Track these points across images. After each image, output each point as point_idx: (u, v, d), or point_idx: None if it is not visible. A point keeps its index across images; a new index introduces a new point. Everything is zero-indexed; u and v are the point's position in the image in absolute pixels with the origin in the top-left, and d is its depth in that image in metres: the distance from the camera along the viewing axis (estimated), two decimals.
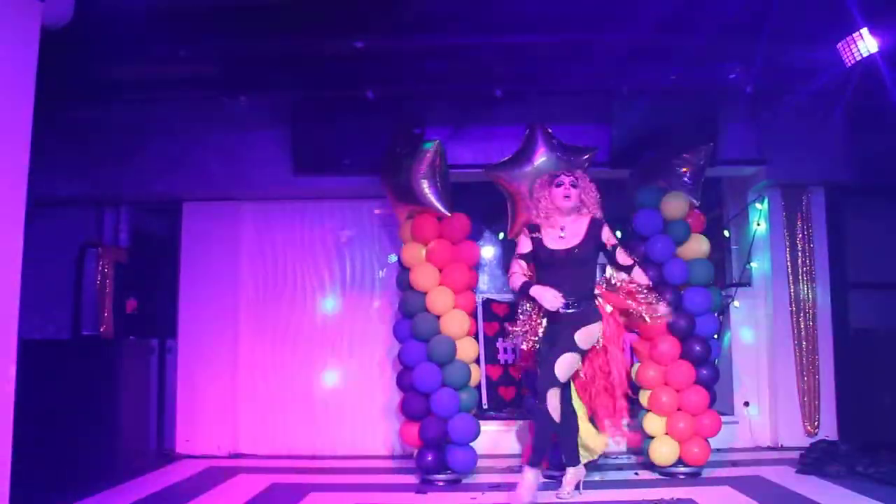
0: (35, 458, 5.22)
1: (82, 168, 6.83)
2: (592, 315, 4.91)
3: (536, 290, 4.87)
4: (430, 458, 5.67)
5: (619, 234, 7.34)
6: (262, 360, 7.16)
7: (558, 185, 5.01)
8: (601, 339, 4.97)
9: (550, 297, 4.82)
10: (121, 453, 6.15)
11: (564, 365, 4.79)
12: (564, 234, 4.97)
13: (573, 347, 4.81)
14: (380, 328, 7.05)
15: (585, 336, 4.86)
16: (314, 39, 5.45)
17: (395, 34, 5.38)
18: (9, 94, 4.05)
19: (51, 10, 4.28)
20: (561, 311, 4.82)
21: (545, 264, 4.99)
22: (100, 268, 7.07)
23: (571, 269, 4.92)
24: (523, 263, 5.05)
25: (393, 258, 7.06)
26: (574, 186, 5.01)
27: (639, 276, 5.03)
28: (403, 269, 6.07)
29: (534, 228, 5.07)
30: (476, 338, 6.33)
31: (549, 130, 5.92)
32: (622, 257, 5.01)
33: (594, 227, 4.98)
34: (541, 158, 5.77)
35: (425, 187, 5.77)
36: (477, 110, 6.31)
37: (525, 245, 5.08)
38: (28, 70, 4.19)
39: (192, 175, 6.89)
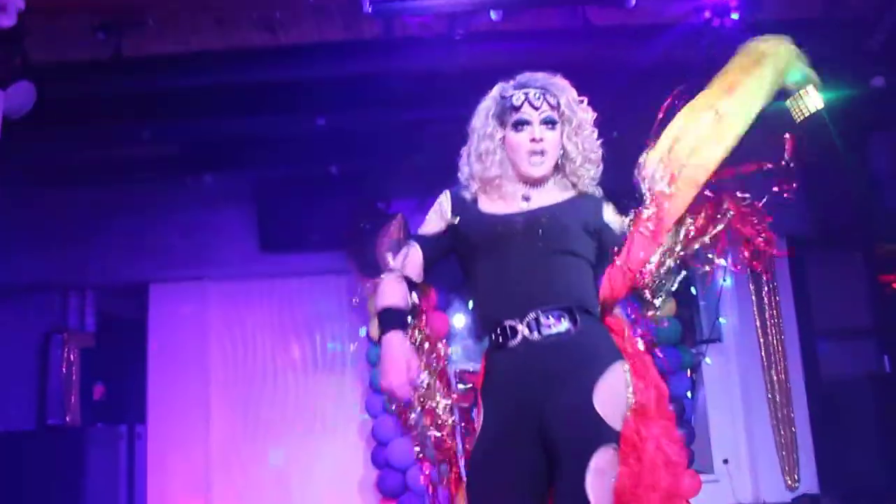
0: None
1: (46, 252, 6.76)
2: (606, 348, 2.22)
3: (390, 343, 2.25)
4: None
5: None
6: (234, 442, 7.01)
7: (519, 127, 2.34)
8: (631, 396, 2.15)
9: (395, 367, 2.20)
10: None
11: (605, 483, 2.01)
12: (527, 202, 2.34)
13: (606, 432, 2.06)
14: (352, 403, 6.96)
15: (611, 397, 2.10)
16: (275, 118, 5.52)
17: (356, 111, 5.46)
18: None
19: (12, 101, 4.31)
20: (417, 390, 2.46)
21: (484, 247, 2.33)
22: (65, 354, 6.93)
23: (542, 256, 2.24)
24: (416, 254, 2.48)
25: (363, 332, 7.02)
26: (551, 125, 2.34)
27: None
28: (373, 343, 6.04)
29: (460, 195, 2.44)
30: (451, 410, 6.26)
31: None
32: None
33: (587, 201, 2.39)
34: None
35: (390, 261, 5.79)
36: (441, 181, 6.35)
37: (436, 217, 2.48)
38: None
39: (158, 256, 6.85)
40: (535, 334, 2.16)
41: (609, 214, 2.39)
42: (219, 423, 7.03)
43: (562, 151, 2.37)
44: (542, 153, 2.33)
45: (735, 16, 4.42)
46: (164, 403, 6.92)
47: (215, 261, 6.90)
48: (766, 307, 7.03)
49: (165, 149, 5.89)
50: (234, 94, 5.18)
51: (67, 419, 6.77)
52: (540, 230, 2.25)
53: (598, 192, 2.43)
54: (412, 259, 2.46)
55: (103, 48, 4.57)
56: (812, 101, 5.21)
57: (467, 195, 2.42)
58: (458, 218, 2.39)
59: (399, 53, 4.78)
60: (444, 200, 2.45)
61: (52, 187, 6.21)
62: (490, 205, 2.37)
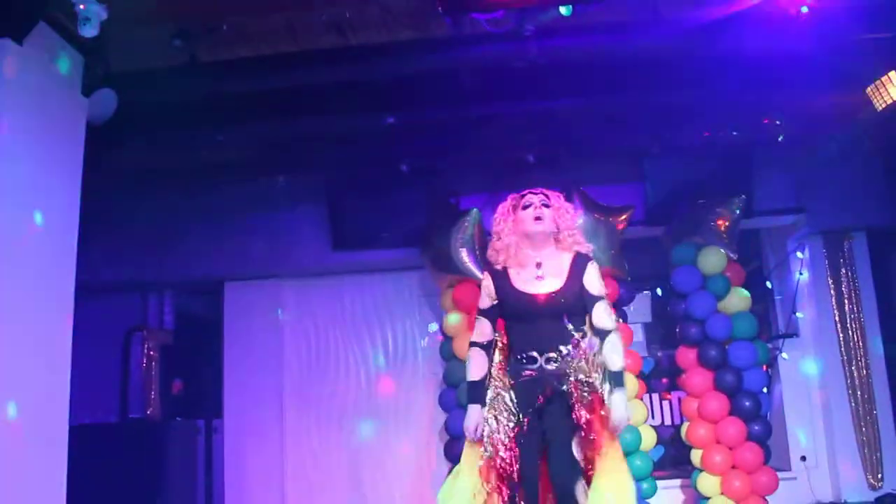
0: None
1: (126, 253, 6.99)
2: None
3: (473, 412, 3.65)
4: None
5: (659, 291, 7.34)
6: (308, 437, 7.15)
7: (525, 207, 3.73)
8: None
9: (472, 427, 3.63)
10: None
11: (577, 449, 3.58)
12: (543, 271, 3.66)
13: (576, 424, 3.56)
14: (425, 398, 7.01)
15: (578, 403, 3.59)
16: (346, 118, 5.58)
17: (425, 108, 5.49)
18: (58, 186, 4.22)
19: (95, 108, 4.47)
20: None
21: (516, 315, 3.69)
22: (145, 351, 7.17)
23: (554, 324, 3.60)
24: (488, 325, 3.74)
25: (434, 327, 7.06)
26: (546, 206, 3.73)
27: (611, 358, 3.53)
28: (446, 338, 6.07)
29: (495, 270, 3.77)
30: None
31: (584, 192, 5.95)
32: (601, 317, 3.60)
33: (579, 264, 3.67)
34: (578, 220, 5.81)
35: (464, 256, 5.83)
36: (511, 176, 6.32)
37: (487, 295, 3.76)
38: (75, 163, 4.37)
39: (232, 255, 7.01)
40: (551, 365, 3.57)
41: (589, 277, 3.65)
42: (292, 417, 7.17)
43: (555, 227, 3.72)
44: (541, 218, 3.69)
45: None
46: (239, 398, 7.09)
47: (288, 259, 7.02)
48: (846, 302, 6.81)
49: (239, 152, 6.01)
50: (305, 95, 5.25)
51: (148, 413, 6.99)
52: (554, 307, 3.59)
53: (586, 248, 3.75)
54: (485, 329, 3.75)
55: (180, 55, 4.67)
56: (895, 89, 5.05)
57: (499, 268, 3.75)
58: (497, 288, 3.71)
59: (468, 50, 4.78)
60: (489, 283, 3.76)
61: (131, 190, 6.39)
62: (516, 276, 3.69)
